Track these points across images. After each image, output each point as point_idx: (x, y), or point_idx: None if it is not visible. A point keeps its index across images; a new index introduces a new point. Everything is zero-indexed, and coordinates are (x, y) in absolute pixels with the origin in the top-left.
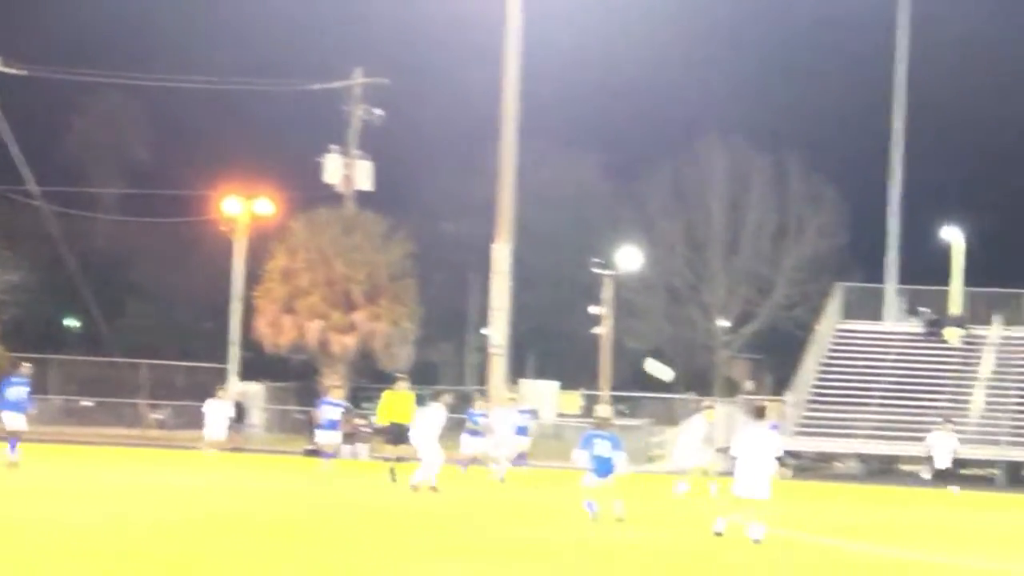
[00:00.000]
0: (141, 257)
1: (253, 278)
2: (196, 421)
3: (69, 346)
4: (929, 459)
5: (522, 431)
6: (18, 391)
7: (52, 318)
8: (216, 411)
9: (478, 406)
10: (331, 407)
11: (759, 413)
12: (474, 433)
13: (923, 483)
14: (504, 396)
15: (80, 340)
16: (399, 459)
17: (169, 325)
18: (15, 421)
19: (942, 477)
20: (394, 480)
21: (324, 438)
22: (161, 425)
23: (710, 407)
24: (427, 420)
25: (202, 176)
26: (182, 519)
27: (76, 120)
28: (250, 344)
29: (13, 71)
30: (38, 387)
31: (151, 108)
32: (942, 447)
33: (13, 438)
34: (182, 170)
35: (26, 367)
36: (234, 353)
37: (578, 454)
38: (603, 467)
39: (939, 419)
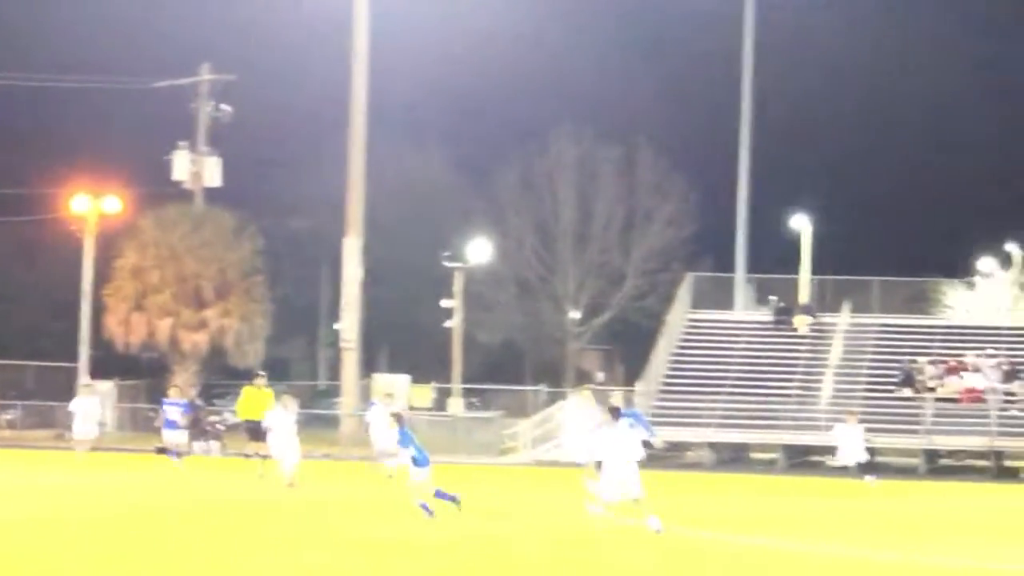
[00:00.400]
0: None
1: (103, 276)
2: (47, 421)
3: None
4: (836, 450)
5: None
6: None
7: None
8: (85, 408)
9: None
10: (171, 406)
11: (615, 414)
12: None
13: (775, 470)
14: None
15: None
16: (261, 455)
17: (18, 324)
18: None
19: (863, 469)
20: (261, 476)
21: (168, 437)
22: (11, 425)
23: (586, 389)
24: (281, 418)
25: (49, 174)
26: (35, 518)
27: None
28: (100, 342)
29: None
30: None
31: None
32: (850, 439)
33: None
34: (29, 168)
35: None
36: (84, 352)
37: (402, 451)
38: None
39: (845, 413)
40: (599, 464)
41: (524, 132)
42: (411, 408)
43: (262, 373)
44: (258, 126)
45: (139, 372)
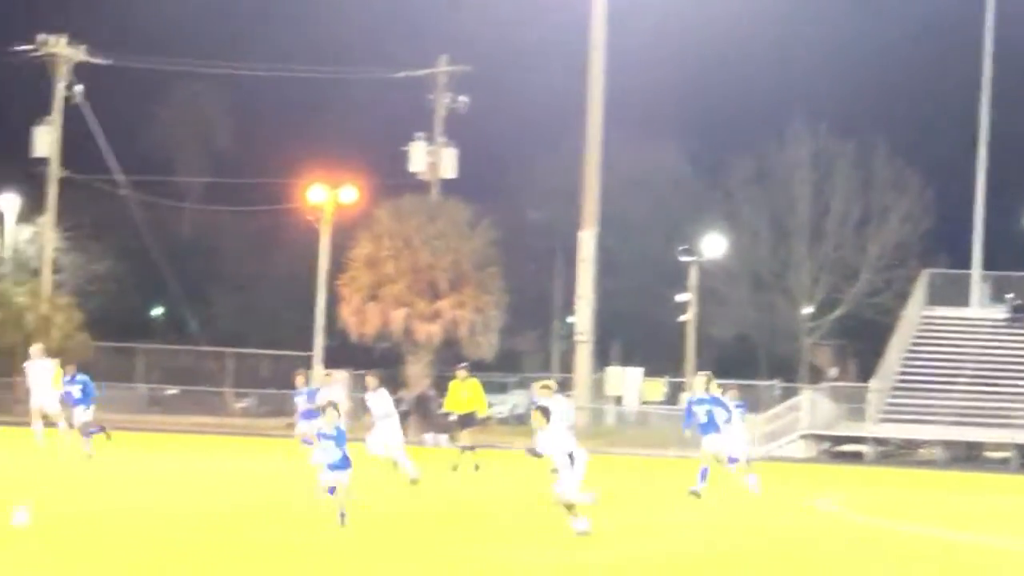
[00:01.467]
0: (226, 246)
1: (338, 266)
2: (281, 409)
3: (155, 335)
4: None
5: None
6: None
7: (138, 307)
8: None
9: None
10: (300, 396)
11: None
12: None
13: (1008, 469)
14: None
15: (166, 329)
16: (471, 448)
17: (254, 314)
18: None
19: None
20: (477, 468)
21: (303, 428)
22: (246, 413)
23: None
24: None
25: (287, 165)
26: (266, 505)
27: (161, 109)
28: (335, 332)
29: (98, 61)
30: (124, 376)
31: (236, 97)
32: None
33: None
34: (267, 159)
35: None
36: (319, 341)
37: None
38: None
39: None
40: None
41: (759, 126)
42: (644, 403)
43: (464, 364)
44: (494, 118)
45: (372, 362)
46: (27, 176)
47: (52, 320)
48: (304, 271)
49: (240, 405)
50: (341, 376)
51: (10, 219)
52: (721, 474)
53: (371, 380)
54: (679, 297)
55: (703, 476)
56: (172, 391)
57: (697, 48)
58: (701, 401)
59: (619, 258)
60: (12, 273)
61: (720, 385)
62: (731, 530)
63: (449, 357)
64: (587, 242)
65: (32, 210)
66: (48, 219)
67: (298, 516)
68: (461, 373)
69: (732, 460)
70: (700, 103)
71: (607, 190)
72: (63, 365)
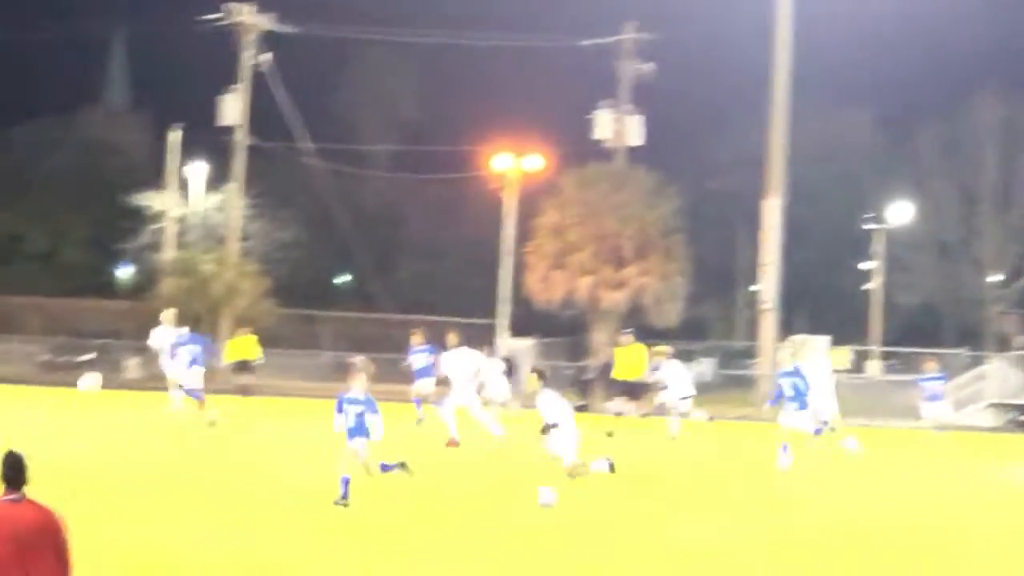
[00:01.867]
0: (412, 213)
1: (523, 234)
2: None
3: (340, 302)
4: None
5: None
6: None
7: (324, 275)
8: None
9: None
10: (418, 354)
11: (541, 376)
12: None
13: None
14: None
15: (351, 296)
16: (618, 414)
17: (439, 281)
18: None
19: None
20: (610, 435)
21: (420, 387)
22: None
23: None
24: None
25: (472, 132)
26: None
27: (347, 78)
28: (520, 300)
29: (285, 29)
30: (308, 343)
31: (421, 64)
32: None
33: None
34: (452, 127)
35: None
36: (504, 309)
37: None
38: None
39: None
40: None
41: (948, 93)
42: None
43: (628, 330)
44: (680, 85)
45: (556, 330)
46: (214, 144)
47: (238, 287)
48: (488, 239)
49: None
50: (525, 345)
51: (197, 187)
52: (920, 440)
53: (452, 338)
54: (864, 265)
55: (784, 450)
56: (357, 358)
57: (885, 14)
58: (787, 374)
59: (804, 226)
60: (199, 241)
61: (929, 357)
62: (918, 502)
63: (634, 325)
64: (772, 210)
65: (219, 178)
66: (235, 187)
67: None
68: (626, 339)
69: (817, 430)
70: (887, 70)
71: (793, 158)
72: (245, 332)
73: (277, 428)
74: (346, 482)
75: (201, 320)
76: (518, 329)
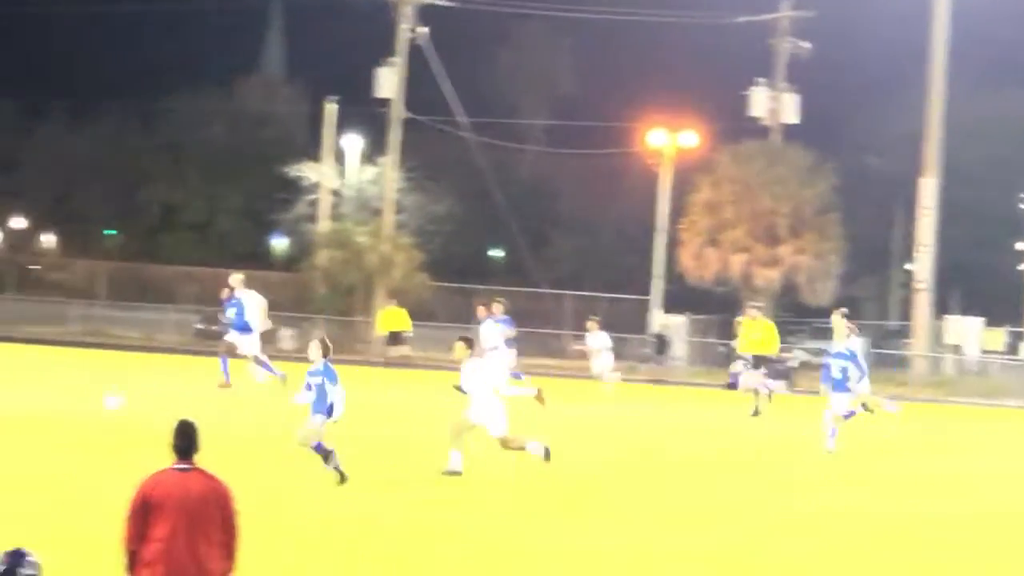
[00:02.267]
0: (566, 188)
1: (677, 210)
2: (619, 352)
3: (493, 276)
4: None
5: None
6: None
7: (477, 249)
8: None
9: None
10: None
11: (469, 344)
12: None
13: None
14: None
15: (504, 271)
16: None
17: (592, 256)
18: None
19: None
20: (755, 414)
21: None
22: (581, 355)
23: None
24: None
25: (628, 108)
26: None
27: (503, 52)
28: (672, 276)
29: (442, 2)
30: (461, 317)
31: (578, 39)
32: None
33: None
34: (608, 102)
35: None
36: (657, 285)
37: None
38: None
39: None
40: None
41: None
42: (983, 352)
43: (758, 304)
44: (836, 63)
45: (709, 306)
46: (370, 117)
47: (392, 260)
48: (643, 214)
49: (577, 347)
50: (677, 321)
51: (353, 159)
52: None
53: (497, 307)
54: (1020, 245)
55: (832, 436)
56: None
57: None
58: (839, 355)
59: (960, 206)
60: (354, 213)
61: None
62: None
63: (786, 303)
64: (928, 190)
65: (374, 150)
66: (390, 159)
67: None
68: (752, 312)
69: (850, 414)
70: None
71: (949, 137)
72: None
73: (431, 400)
74: (320, 448)
75: (356, 292)
76: (671, 305)
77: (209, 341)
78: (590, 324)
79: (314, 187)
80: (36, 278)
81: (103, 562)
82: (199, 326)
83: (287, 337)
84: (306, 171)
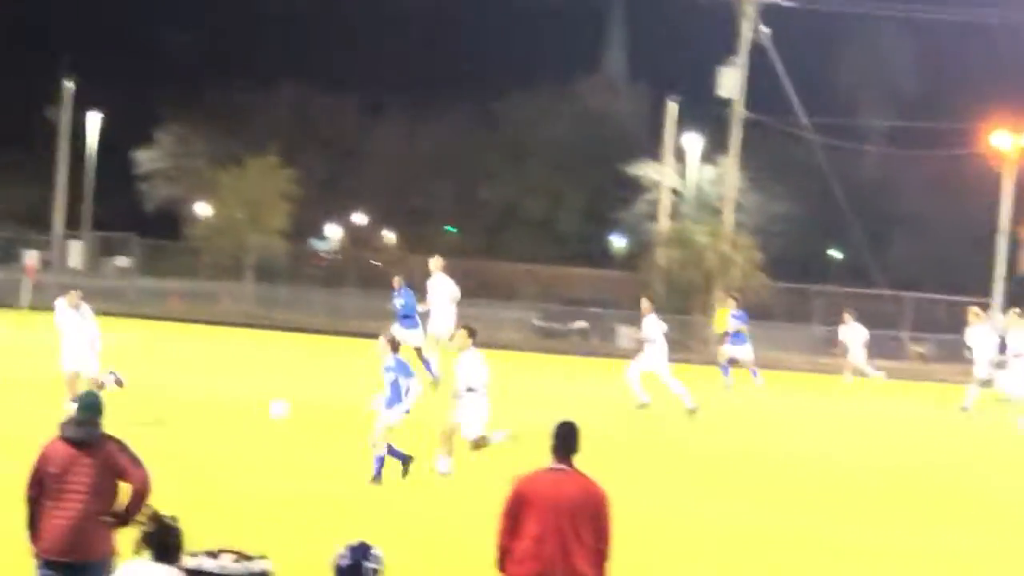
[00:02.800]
0: (907, 189)
1: (1020, 212)
2: (956, 355)
3: (832, 277)
4: None
5: None
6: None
7: (816, 249)
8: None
9: None
10: (736, 319)
11: (472, 334)
12: None
13: None
14: None
15: (843, 271)
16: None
17: (932, 257)
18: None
19: None
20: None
21: (732, 352)
22: (923, 359)
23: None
24: None
25: (971, 108)
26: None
27: (846, 52)
28: (1016, 278)
29: (785, 3)
30: (800, 317)
31: (921, 39)
32: None
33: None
34: (950, 102)
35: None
36: (999, 287)
37: None
38: None
39: None
40: None
41: None
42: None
43: None
44: None
45: None
46: (710, 116)
47: (732, 260)
48: (984, 215)
49: (918, 350)
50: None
51: (693, 158)
52: None
53: (644, 304)
54: None
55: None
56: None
57: None
58: None
59: None
60: (693, 212)
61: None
62: None
63: None
64: None
65: (715, 150)
66: (731, 159)
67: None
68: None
69: None
70: None
71: None
72: (731, 303)
73: (781, 402)
74: (392, 453)
75: (694, 292)
76: (1013, 306)
77: (548, 339)
78: (846, 316)
79: (654, 186)
80: (375, 274)
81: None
82: (538, 323)
83: (625, 335)
84: (646, 170)
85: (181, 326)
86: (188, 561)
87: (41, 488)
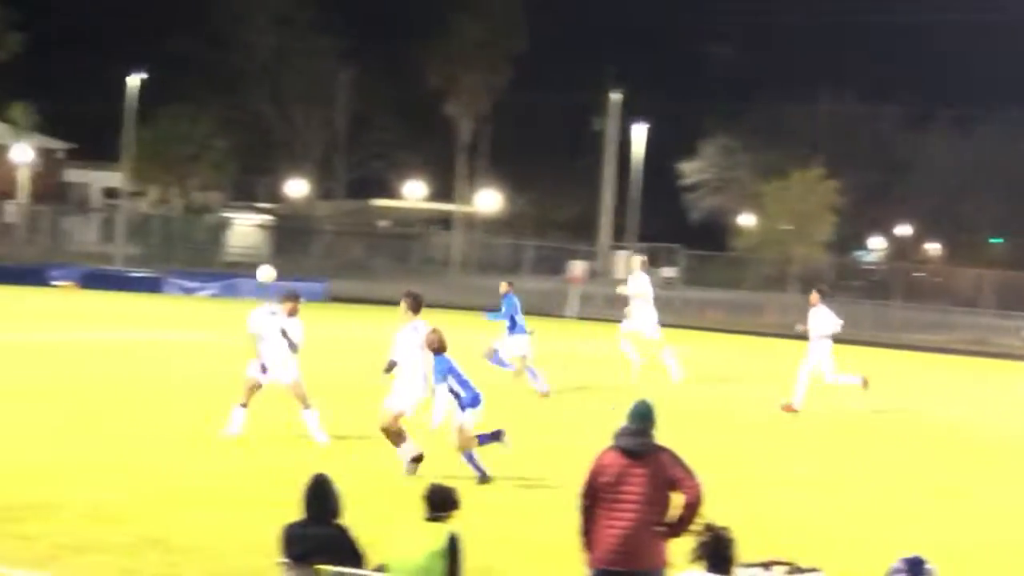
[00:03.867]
0: None
1: None
2: None
3: None
4: None
5: None
6: None
7: None
8: None
9: None
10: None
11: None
12: None
13: None
14: None
15: None
16: None
17: None
18: None
19: None
20: None
21: None
22: None
23: None
24: None
25: None
26: None
27: None
28: None
29: None
30: None
31: None
32: None
33: None
34: None
35: None
36: None
37: None
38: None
39: None
40: None
41: None
42: None
43: None
44: None
45: None
46: None
47: None
48: None
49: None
50: None
51: None
52: None
53: (638, 260)
54: None
55: None
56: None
57: None
58: None
59: None
60: None
61: None
62: None
63: None
64: None
65: None
66: None
67: None
68: None
69: None
70: None
71: None
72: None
73: None
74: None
75: None
76: None
77: None
78: None
79: None
80: (920, 285)
81: None
82: None
83: None
84: None
85: (723, 336)
86: (740, 573)
87: (595, 498)
